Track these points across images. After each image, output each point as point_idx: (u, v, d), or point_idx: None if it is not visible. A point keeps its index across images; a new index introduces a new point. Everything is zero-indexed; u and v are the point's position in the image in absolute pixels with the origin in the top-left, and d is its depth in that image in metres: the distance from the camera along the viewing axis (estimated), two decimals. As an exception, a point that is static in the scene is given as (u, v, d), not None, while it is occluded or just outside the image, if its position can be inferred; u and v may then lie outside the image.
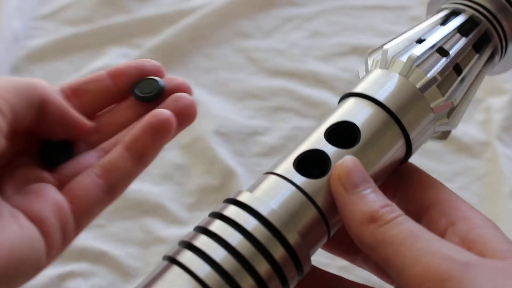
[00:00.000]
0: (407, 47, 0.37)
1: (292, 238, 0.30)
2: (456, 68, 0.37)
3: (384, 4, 0.97)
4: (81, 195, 0.34)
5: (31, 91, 0.33)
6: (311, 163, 0.33)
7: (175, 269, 0.30)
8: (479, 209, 0.75)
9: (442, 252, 0.29)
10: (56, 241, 0.32)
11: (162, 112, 0.35)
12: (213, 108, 0.83)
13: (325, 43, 0.92)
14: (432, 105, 0.35)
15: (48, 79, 0.89)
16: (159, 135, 0.35)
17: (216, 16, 0.94)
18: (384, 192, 0.33)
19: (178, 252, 0.30)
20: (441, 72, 0.36)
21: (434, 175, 0.76)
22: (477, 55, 0.38)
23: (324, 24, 0.95)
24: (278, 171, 0.33)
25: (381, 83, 0.35)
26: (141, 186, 0.75)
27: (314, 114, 0.82)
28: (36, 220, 0.32)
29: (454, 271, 0.28)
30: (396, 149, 0.34)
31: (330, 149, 0.33)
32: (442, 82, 0.36)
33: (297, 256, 0.31)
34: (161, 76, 0.38)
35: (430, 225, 0.33)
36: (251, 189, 0.32)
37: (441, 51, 0.37)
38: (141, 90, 0.37)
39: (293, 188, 0.32)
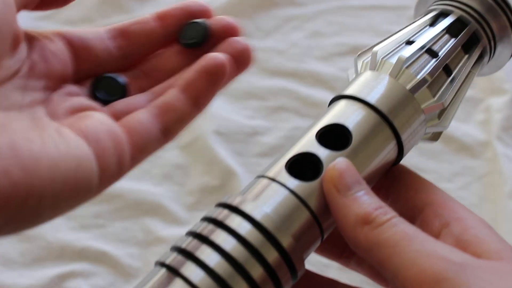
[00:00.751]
0: (396, 49, 0.37)
1: (286, 241, 0.30)
2: (445, 69, 0.37)
3: (384, 4, 0.97)
4: (137, 128, 0.33)
5: None
6: (303, 166, 0.33)
7: (168, 275, 0.29)
8: (479, 209, 0.75)
9: (437, 253, 0.29)
10: (111, 166, 0.31)
11: (216, 56, 0.34)
12: (213, 108, 0.83)
13: (325, 43, 0.92)
14: (422, 106, 0.35)
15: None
16: (214, 79, 0.34)
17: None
18: (377, 195, 0.33)
19: (170, 257, 0.30)
20: (431, 73, 0.36)
21: (434, 175, 0.77)
22: (466, 56, 0.38)
23: (324, 24, 0.95)
24: (270, 174, 0.32)
25: (372, 85, 0.35)
26: (141, 186, 0.75)
27: (314, 114, 0.82)
28: (90, 138, 0.30)
29: (450, 272, 0.28)
30: (388, 151, 0.34)
31: (322, 152, 0.33)
32: (432, 83, 0.36)
33: (291, 260, 0.30)
34: (208, 17, 0.37)
35: (424, 227, 0.33)
36: (244, 193, 0.32)
37: (431, 52, 0.37)
38: (186, 36, 0.36)
39: (286, 191, 0.31)
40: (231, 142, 0.80)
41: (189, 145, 0.79)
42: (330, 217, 0.32)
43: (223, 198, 0.32)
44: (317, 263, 0.37)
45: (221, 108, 0.84)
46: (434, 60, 0.37)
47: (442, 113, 0.37)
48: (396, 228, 0.30)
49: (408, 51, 0.36)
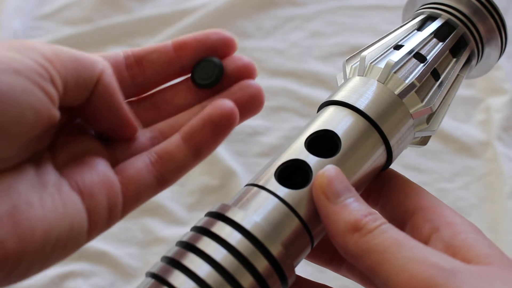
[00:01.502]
0: (385, 53, 0.37)
1: (275, 250, 0.30)
2: (434, 73, 0.37)
3: (384, 4, 0.97)
4: (133, 177, 0.32)
5: (88, 69, 0.31)
6: (293, 173, 0.33)
7: (159, 286, 0.29)
8: (479, 209, 0.75)
9: (427, 259, 0.29)
10: (101, 220, 0.31)
11: (224, 104, 0.33)
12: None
13: (325, 43, 0.92)
14: (411, 111, 0.35)
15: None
16: (219, 129, 0.33)
17: (216, 16, 0.94)
18: (366, 200, 0.33)
19: (161, 269, 0.30)
20: (419, 78, 0.36)
21: (434, 175, 0.77)
22: (454, 60, 0.38)
23: (324, 24, 0.95)
24: (260, 182, 0.32)
25: (361, 91, 0.35)
26: (141, 186, 0.75)
27: (314, 114, 0.82)
28: (84, 194, 0.31)
29: (439, 278, 0.28)
30: (377, 157, 0.34)
31: (311, 159, 0.33)
32: (421, 87, 0.36)
33: (281, 268, 0.30)
34: (228, 51, 0.35)
35: (414, 232, 0.33)
36: (234, 202, 0.32)
37: (419, 56, 0.37)
38: (199, 75, 0.35)
39: (275, 200, 0.32)
40: (231, 142, 0.80)
41: (189, 145, 0.79)
42: (320, 224, 0.32)
43: (213, 207, 0.32)
44: (312, 266, 0.37)
45: (221, 108, 0.84)
46: (422, 64, 0.37)
47: (431, 117, 0.37)
48: (386, 235, 0.30)
49: (396, 56, 0.36)
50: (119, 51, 0.36)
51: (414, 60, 0.37)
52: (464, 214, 0.37)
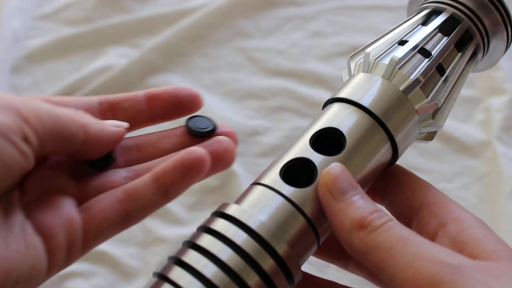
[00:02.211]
0: (389, 49, 0.37)
1: (281, 248, 0.30)
2: (439, 68, 0.37)
3: (384, 4, 0.97)
4: (97, 215, 0.34)
5: (67, 125, 0.33)
6: (298, 171, 0.33)
7: (166, 286, 0.30)
8: (479, 209, 0.75)
9: (433, 256, 0.29)
10: (60, 259, 0.33)
11: (196, 150, 0.34)
12: (213, 108, 0.83)
13: (325, 43, 0.92)
14: (416, 107, 0.35)
15: (48, 79, 0.89)
16: (189, 174, 0.34)
17: (216, 16, 0.94)
18: (373, 196, 0.33)
19: (168, 268, 0.30)
20: (424, 73, 0.36)
21: (434, 175, 0.77)
22: (459, 54, 0.38)
23: (324, 24, 0.95)
24: (265, 181, 0.32)
25: (365, 87, 0.35)
26: (141, 186, 0.75)
27: (314, 114, 0.82)
28: (45, 235, 0.32)
29: (445, 274, 0.28)
30: (382, 154, 0.34)
31: (316, 157, 0.33)
32: (426, 83, 0.36)
33: (287, 267, 0.31)
34: (196, 106, 0.38)
35: (421, 227, 0.33)
36: (239, 201, 0.32)
37: (423, 51, 0.37)
38: (196, 125, 0.38)
39: (280, 198, 0.32)
40: (231, 142, 0.80)
41: (189, 145, 0.79)
42: (326, 222, 0.32)
43: (219, 207, 0.32)
44: (317, 263, 0.37)
45: (221, 108, 0.84)
46: (426, 60, 0.36)
47: (436, 112, 0.37)
48: (391, 232, 0.30)
49: (401, 51, 0.36)
50: (94, 96, 0.38)
51: (418, 56, 0.37)
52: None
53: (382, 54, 0.37)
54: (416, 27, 0.39)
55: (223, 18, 0.94)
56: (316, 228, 0.32)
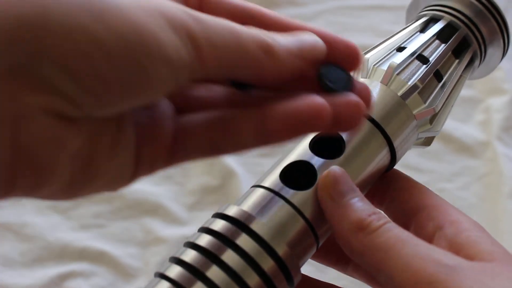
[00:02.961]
0: (387, 56, 0.38)
1: (281, 250, 0.31)
2: (436, 74, 0.38)
3: (384, 4, 0.97)
4: (188, 131, 0.29)
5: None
6: (298, 174, 0.34)
7: (167, 286, 0.30)
8: (479, 209, 0.75)
9: (430, 256, 0.29)
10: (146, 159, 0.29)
11: (323, 106, 0.27)
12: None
13: (325, 43, 0.92)
14: (414, 112, 0.36)
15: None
16: (301, 129, 0.28)
17: (216, 16, 0.94)
18: (371, 200, 0.33)
19: (169, 268, 0.31)
20: (421, 79, 0.36)
21: (433, 175, 0.77)
22: (456, 61, 0.39)
23: (324, 24, 0.95)
24: (265, 184, 0.33)
25: None
26: (141, 186, 0.75)
27: (314, 114, 0.82)
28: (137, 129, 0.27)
29: (442, 274, 0.28)
30: (381, 158, 0.35)
31: (316, 161, 0.33)
32: (423, 89, 0.36)
33: (287, 268, 0.31)
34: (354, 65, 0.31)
35: (419, 230, 0.33)
36: (239, 203, 0.33)
37: (421, 58, 0.38)
38: (329, 77, 0.30)
39: (280, 201, 0.32)
40: (231, 142, 0.80)
41: (189, 145, 0.79)
42: (325, 225, 0.33)
43: (219, 208, 0.32)
44: (317, 263, 0.37)
45: (221, 108, 0.84)
46: (424, 66, 0.37)
47: (434, 118, 0.37)
48: (389, 233, 0.30)
49: (399, 57, 0.37)
50: None
51: (416, 62, 0.37)
52: (464, 214, 0.37)
53: (380, 60, 0.37)
54: (415, 34, 0.40)
55: (223, 18, 0.94)
56: (316, 230, 0.32)
